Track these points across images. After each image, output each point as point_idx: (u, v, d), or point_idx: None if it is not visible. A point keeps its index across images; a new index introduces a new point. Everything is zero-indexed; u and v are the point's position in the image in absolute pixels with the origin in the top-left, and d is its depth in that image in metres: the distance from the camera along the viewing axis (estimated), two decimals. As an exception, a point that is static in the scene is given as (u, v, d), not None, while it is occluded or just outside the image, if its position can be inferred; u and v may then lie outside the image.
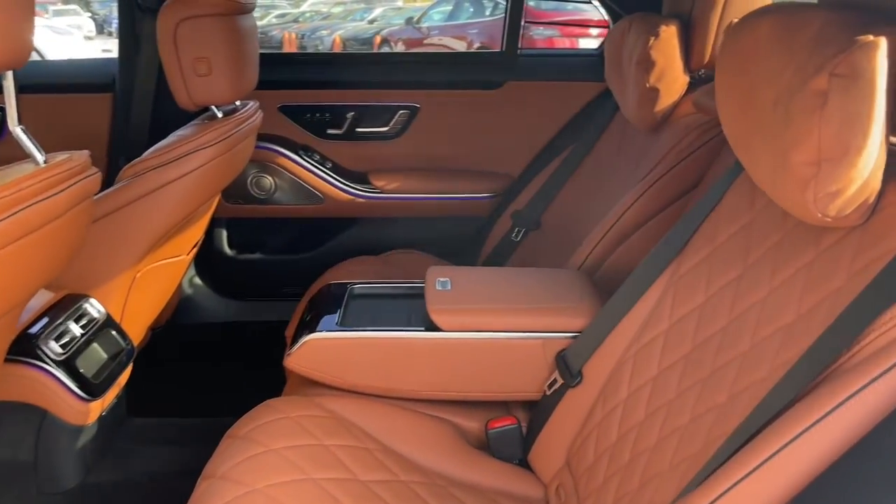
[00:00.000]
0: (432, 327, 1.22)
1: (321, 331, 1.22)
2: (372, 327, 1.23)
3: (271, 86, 1.85)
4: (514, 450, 1.22)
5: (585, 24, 4.36)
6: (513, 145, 2.00)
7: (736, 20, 0.92)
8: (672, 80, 1.44)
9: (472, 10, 8.33)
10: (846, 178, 0.72)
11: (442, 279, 1.32)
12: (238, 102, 1.53)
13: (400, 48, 8.64)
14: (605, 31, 2.07)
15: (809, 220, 0.78)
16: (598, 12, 2.00)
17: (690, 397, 0.92)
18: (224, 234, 2.11)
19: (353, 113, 1.98)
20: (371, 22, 9.98)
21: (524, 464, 1.23)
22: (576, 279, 1.34)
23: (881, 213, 0.76)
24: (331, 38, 9.48)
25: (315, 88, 1.95)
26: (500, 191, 2.02)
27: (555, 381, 1.18)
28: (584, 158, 1.80)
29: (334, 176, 2.00)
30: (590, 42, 5.26)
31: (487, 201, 2.03)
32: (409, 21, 8.89)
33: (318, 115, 1.99)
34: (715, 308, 0.96)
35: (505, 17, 1.93)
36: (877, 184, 0.74)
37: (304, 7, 11.92)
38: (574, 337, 1.20)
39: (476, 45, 7.75)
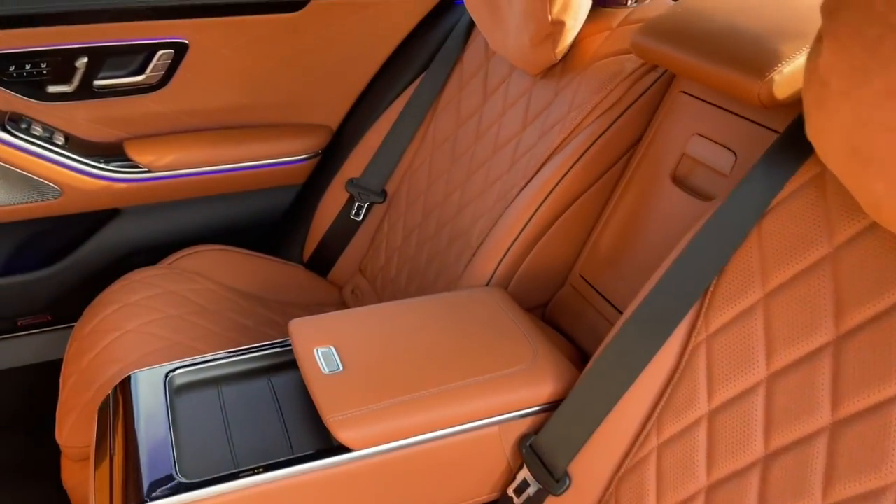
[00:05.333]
0: (331, 448, 0.78)
1: (155, 497, 0.72)
2: (239, 468, 0.75)
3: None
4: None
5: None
6: (328, 87, 1.50)
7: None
8: (578, 7, 1.06)
9: None
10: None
11: (322, 349, 0.86)
12: None
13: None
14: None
15: None
16: None
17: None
18: None
19: (85, 58, 1.32)
20: None
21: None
22: (503, 307, 0.96)
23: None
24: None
25: (17, 26, 1.25)
26: (319, 148, 1.52)
27: (524, 483, 0.83)
28: (432, 104, 1.37)
29: (71, 155, 1.35)
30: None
31: (303, 164, 1.52)
32: None
33: (27, 66, 1.29)
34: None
35: None
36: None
37: None
38: (543, 411, 0.84)
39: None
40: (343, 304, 1.44)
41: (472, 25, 1.36)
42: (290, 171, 1.51)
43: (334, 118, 1.54)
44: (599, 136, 1.01)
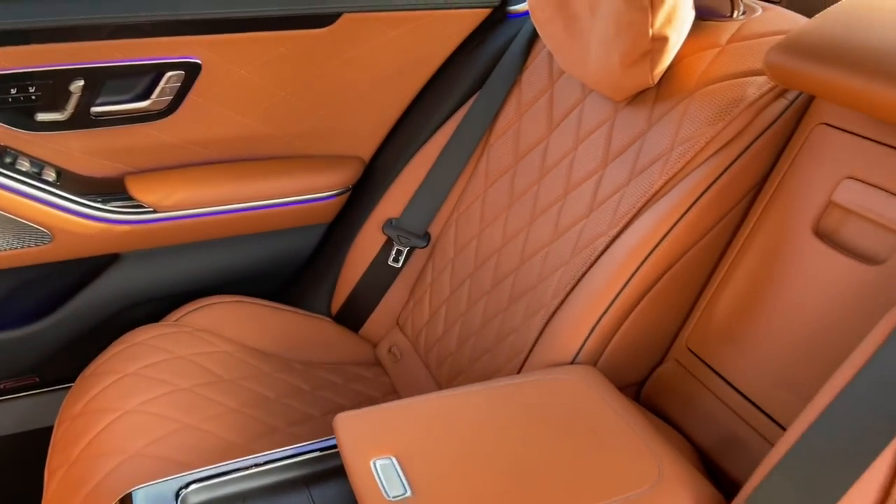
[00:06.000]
0: None
1: None
2: None
3: None
4: None
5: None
6: (360, 113, 1.30)
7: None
8: (683, 19, 0.86)
9: None
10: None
11: (381, 461, 0.66)
12: None
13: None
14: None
15: None
16: None
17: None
18: None
19: (81, 81, 1.12)
20: None
21: None
22: (604, 398, 0.76)
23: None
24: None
25: (2, 44, 1.06)
26: (350, 184, 1.33)
27: None
28: (484, 133, 1.18)
29: (64, 193, 1.16)
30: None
31: (331, 202, 1.33)
32: None
33: (13, 90, 1.10)
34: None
35: None
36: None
37: None
38: (676, 552, 0.64)
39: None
40: (378, 364, 1.24)
41: (531, 41, 1.17)
42: (317, 209, 1.32)
43: (367, 149, 1.34)
44: (717, 178, 0.82)
